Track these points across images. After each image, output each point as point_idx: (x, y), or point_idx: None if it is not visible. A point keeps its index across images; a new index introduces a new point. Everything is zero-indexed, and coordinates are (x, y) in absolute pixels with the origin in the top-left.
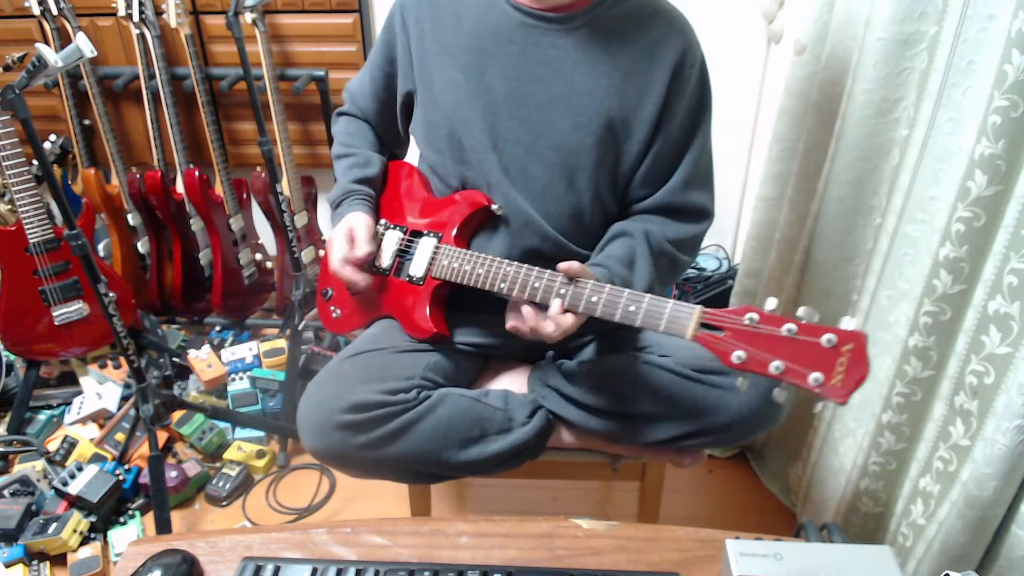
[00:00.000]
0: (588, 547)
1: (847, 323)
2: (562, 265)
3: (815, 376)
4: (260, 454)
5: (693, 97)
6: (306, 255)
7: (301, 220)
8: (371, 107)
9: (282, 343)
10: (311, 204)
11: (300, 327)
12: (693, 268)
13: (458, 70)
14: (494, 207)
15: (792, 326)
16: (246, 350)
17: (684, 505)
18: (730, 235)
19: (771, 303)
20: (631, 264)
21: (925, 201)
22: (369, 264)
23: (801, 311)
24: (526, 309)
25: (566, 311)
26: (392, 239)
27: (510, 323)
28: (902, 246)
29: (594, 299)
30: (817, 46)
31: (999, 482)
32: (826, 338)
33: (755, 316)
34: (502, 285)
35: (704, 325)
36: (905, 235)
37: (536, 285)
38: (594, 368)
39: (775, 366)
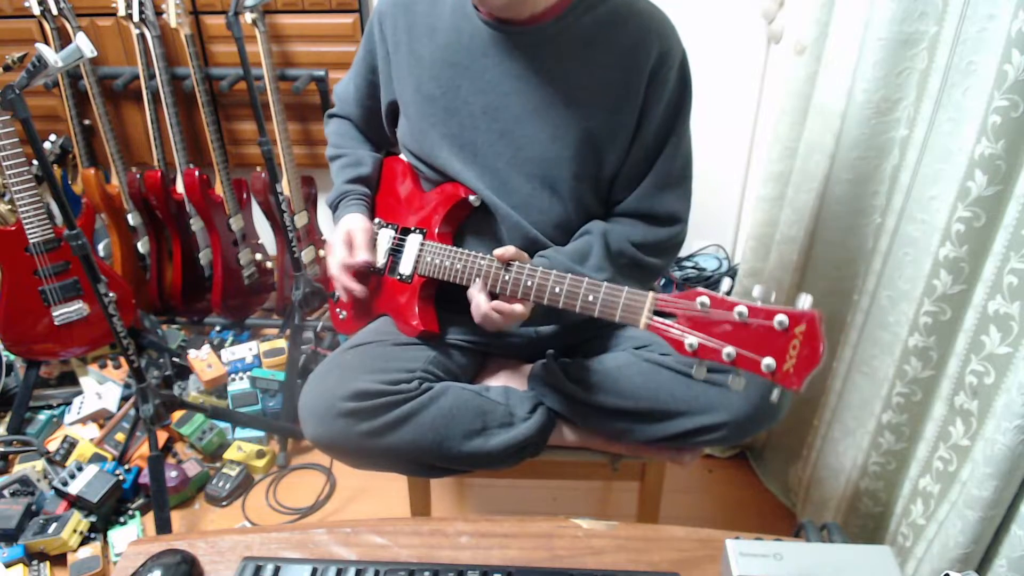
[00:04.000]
0: (588, 547)
1: (802, 301)
2: (497, 251)
3: (767, 362)
4: (260, 454)
5: (671, 99)
6: (306, 255)
7: (301, 220)
8: (357, 113)
9: (282, 343)
10: (311, 204)
11: (317, 329)
12: (693, 268)
13: (435, 84)
14: (471, 199)
15: (743, 309)
16: (246, 350)
17: (684, 505)
18: (730, 235)
19: (726, 285)
20: (583, 259)
21: (925, 201)
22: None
23: (756, 290)
24: (479, 296)
25: (516, 299)
26: (385, 237)
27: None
28: (902, 246)
29: (557, 290)
30: (817, 46)
31: (999, 482)
32: (778, 320)
33: (706, 300)
34: (477, 279)
35: (658, 313)
36: (905, 235)
37: (506, 278)
38: (594, 366)
39: (727, 353)
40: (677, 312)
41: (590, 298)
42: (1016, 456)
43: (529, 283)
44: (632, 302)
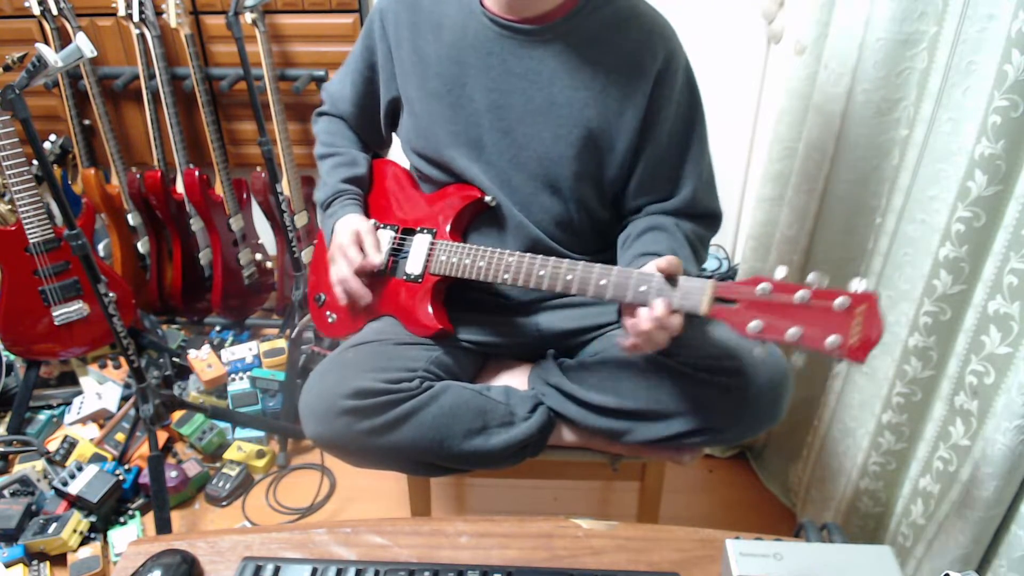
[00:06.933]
0: (588, 547)
1: (856, 284)
2: (662, 267)
3: (832, 339)
4: (260, 454)
5: (682, 104)
6: (306, 255)
7: (301, 220)
8: (351, 112)
9: (282, 343)
10: (311, 204)
11: (295, 333)
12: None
13: (439, 81)
14: (487, 199)
15: (805, 292)
16: (246, 350)
17: (684, 505)
18: (730, 235)
19: (781, 272)
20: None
21: (925, 201)
22: None
23: (811, 277)
24: (640, 312)
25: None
26: (384, 239)
27: (628, 342)
28: (902, 246)
29: (603, 282)
30: (817, 46)
31: (999, 482)
32: (839, 301)
33: (767, 286)
34: (505, 275)
35: (718, 299)
36: (905, 235)
37: (541, 273)
38: (595, 366)
39: (791, 333)
40: (738, 298)
41: (642, 288)
42: (1016, 456)
43: (569, 277)
44: (692, 289)
